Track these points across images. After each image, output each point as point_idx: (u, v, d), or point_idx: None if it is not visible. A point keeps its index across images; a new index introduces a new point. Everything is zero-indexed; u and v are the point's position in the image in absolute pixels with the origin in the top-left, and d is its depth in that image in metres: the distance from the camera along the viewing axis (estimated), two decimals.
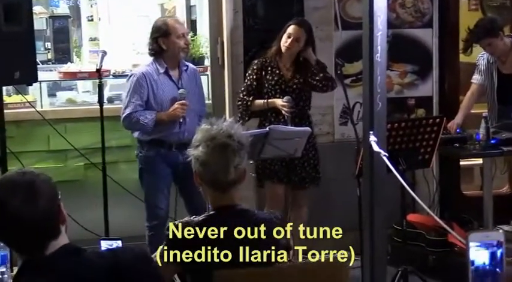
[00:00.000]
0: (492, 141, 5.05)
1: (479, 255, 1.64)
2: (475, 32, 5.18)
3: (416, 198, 2.96)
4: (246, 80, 4.94)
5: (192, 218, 2.65)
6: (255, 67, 4.90)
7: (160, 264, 2.60)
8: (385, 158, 2.80)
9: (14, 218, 1.88)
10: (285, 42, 4.81)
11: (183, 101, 4.63)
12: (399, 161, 4.25)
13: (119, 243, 2.88)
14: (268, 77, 4.86)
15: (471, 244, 1.65)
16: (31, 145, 5.30)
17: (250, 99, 4.85)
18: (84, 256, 1.99)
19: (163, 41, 4.69)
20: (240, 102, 4.90)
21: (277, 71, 4.86)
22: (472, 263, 1.65)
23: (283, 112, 4.72)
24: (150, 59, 4.76)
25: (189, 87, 4.75)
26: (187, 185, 4.63)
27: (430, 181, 5.57)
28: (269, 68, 4.87)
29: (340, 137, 5.55)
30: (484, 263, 1.64)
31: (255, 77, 4.88)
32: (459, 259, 4.78)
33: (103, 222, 4.80)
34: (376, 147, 2.78)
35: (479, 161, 5.77)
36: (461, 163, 5.96)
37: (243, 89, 4.94)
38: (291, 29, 4.82)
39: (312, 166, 4.91)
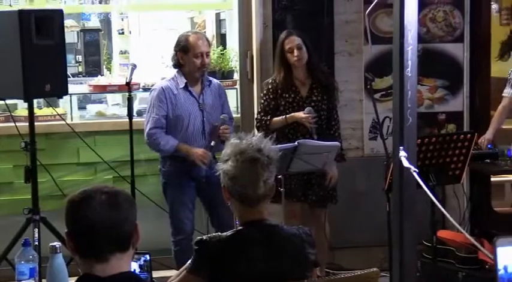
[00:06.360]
0: None
1: (508, 262, 1.48)
2: None
3: (447, 214, 2.91)
4: (262, 101, 4.86)
5: (219, 233, 2.64)
6: (270, 87, 4.82)
7: (188, 278, 2.60)
8: (415, 174, 2.77)
9: (95, 212, 1.98)
10: (292, 57, 4.73)
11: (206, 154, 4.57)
12: (429, 177, 4.21)
13: (147, 257, 2.88)
14: (284, 95, 4.78)
15: (499, 250, 1.49)
16: (61, 157, 5.33)
17: (268, 118, 4.79)
18: None
19: (181, 56, 4.68)
20: (258, 124, 4.83)
21: (294, 88, 4.80)
22: (505, 268, 1.48)
23: (307, 125, 4.66)
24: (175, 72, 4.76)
25: (211, 103, 4.72)
26: (211, 198, 4.61)
27: (460, 197, 5.50)
28: (284, 87, 4.79)
29: (369, 151, 5.51)
30: None
31: (271, 96, 4.81)
32: (489, 276, 4.71)
33: None
34: (406, 163, 2.74)
35: (511, 177, 5.69)
36: (492, 179, 5.89)
37: (259, 110, 4.89)
38: (286, 43, 4.74)
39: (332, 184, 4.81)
